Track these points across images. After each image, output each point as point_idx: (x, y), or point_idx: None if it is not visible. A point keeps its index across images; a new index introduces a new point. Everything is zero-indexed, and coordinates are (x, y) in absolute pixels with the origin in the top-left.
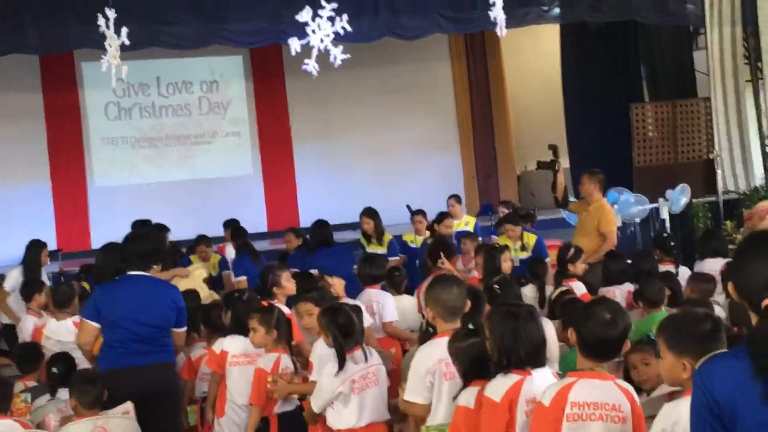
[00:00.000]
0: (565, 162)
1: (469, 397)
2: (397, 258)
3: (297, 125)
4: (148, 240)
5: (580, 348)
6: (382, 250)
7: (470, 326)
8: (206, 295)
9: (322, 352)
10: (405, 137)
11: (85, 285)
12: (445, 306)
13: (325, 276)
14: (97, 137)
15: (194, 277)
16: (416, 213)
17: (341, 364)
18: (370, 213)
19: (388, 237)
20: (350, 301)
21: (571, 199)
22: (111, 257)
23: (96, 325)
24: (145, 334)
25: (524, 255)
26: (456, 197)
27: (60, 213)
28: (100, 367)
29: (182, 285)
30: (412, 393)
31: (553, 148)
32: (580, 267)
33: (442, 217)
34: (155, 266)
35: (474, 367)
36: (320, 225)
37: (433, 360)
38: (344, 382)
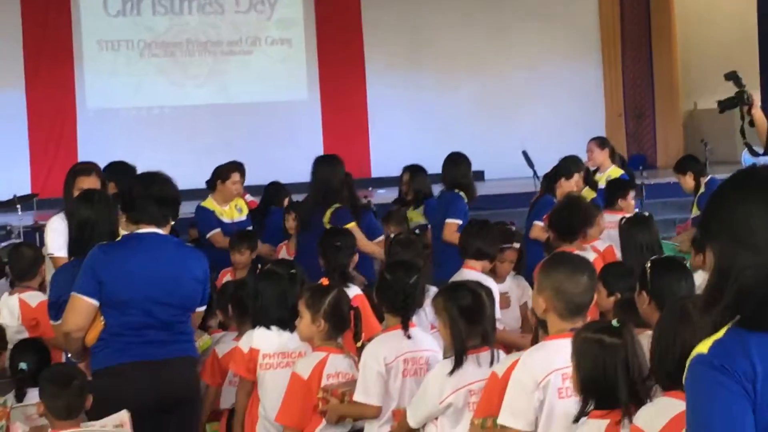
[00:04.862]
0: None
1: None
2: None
3: (372, 33)
4: (169, 183)
5: None
6: None
7: (614, 323)
8: None
9: (369, 359)
10: (521, 57)
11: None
12: (569, 299)
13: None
14: (91, 40)
15: None
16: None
17: (458, 361)
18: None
19: None
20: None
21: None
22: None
23: (94, 302)
24: (167, 318)
25: None
26: (600, 141)
27: (37, 144)
28: (96, 365)
29: None
30: (513, 415)
31: (733, 77)
32: None
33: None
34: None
35: (599, 386)
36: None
37: (546, 369)
38: (458, 390)
